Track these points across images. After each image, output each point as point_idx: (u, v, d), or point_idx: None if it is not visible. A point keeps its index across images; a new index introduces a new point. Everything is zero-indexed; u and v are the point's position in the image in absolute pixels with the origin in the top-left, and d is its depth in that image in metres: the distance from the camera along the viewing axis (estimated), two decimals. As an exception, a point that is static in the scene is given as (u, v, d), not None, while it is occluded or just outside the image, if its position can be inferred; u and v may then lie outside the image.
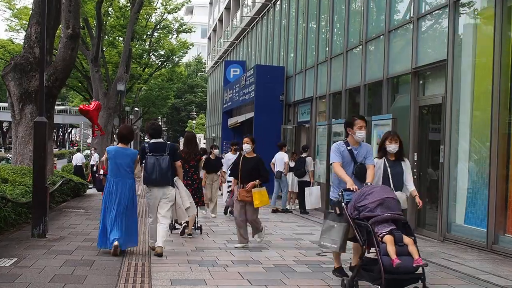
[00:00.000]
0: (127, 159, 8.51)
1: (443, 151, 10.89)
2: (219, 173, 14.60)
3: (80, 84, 44.13)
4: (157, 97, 55.91)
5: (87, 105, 17.34)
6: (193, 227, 10.84)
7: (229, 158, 14.96)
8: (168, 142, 9.05)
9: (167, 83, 55.47)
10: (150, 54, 49.28)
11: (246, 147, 9.70)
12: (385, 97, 13.70)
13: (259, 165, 9.67)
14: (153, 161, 8.52)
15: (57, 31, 17.38)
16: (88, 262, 7.62)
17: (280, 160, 15.99)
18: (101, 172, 16.74)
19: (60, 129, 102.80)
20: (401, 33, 13.34)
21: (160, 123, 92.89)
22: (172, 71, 54.44)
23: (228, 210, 14.51)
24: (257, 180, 9.46)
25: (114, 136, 50.32)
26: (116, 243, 8.11)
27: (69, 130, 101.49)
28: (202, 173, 14.62)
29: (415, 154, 12.05)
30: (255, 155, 9.79)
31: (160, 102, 58.27)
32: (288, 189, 16.44)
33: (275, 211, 15.93)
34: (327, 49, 18.19)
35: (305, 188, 15.53)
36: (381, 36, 14.10)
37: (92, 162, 26.17)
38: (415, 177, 11.87)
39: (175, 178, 8.92)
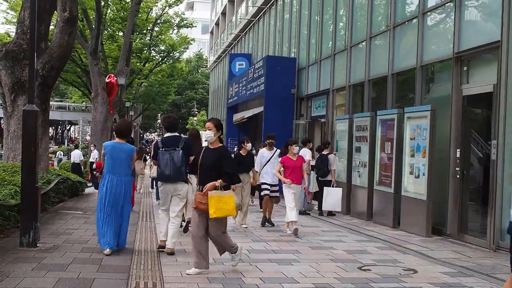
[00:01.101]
0: (123, 155, 8.13)
1: (495, 147, 9.45)
2: (251, 173, 12.44)
3: (79, 79, 42.82)
4: (158, 93, 54.99)
5: (113, 77, 15.87)
6: None
7: (263, 155, 12.39)
8: (182, 136, 8.65)
9: (168, 79, 54.30)
10: (151, 49, 47.90)
11: (208, 134, 7.05)
12: (419, 86, 12.27)
13: (224, 159, 7.01)
14: (167, 157, 8.05)
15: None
16: (86, 282, 6.17)
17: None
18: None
19: (59, 127, 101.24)
20: (439, 15, 11.89)
21: (160, 120, 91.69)
22: (173, 66, 53.15)
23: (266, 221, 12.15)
24: (219, 181, 6.86)
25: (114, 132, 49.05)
26: (107, 251, 7.87)
27: (68, 127, 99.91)
28: None
29: (458, 150, 10.63)
30: (220, 145, 7.16)
31: (161, 98, 57.41)
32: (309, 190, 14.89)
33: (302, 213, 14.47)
34: (346, 37, 16.75)
35: (324, 187, 14.09)
36: (414, 20, 12.66)
37: (91, 160, 24.74)
38: (458, 176, 10.54)
39: (189, 175, 8.70)
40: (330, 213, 14.47)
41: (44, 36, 14.53)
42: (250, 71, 24.69)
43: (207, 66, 64.17)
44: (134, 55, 41.18)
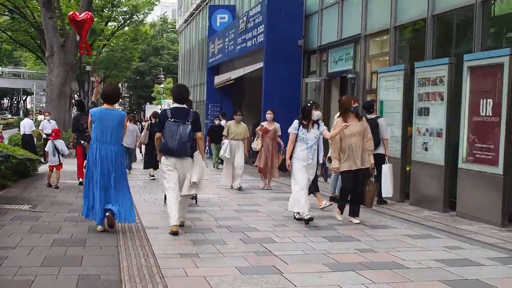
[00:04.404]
0: (113, 122, 7.34)
1: None
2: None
3: (32, 40, 37.93)
4: (120, 58, 50.63)
5: (77, 14, 13.10)
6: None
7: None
8: (191, 109, 7.76)
9: (131, 44, 49.71)
10: (113, 8, 43.09)
11: None
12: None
13: None
14: (174, 129, 7.31)
15: None
16: None
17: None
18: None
19: (15, 97, 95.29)
20: None
21: (121, 88, 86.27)
22: (137, 30, 48.67)
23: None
24: None
25: (73, 101, 44.15)
26: (108, 214, 7.11)
27: (23, 98, 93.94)
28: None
29: None
30: None
31: (124, 64, 52.95)
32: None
33: (332, 198, 10.24)
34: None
35: (382, 166, 9.96)
36: None
37: (49, 131, 20.09)
38: None
39: (196, 152, 7.70)
40: (382, 201, 10.42)
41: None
42: (241, 21, 20.18)
43: (174, 29, 59.72)
44: (95, 13, 36.50)
